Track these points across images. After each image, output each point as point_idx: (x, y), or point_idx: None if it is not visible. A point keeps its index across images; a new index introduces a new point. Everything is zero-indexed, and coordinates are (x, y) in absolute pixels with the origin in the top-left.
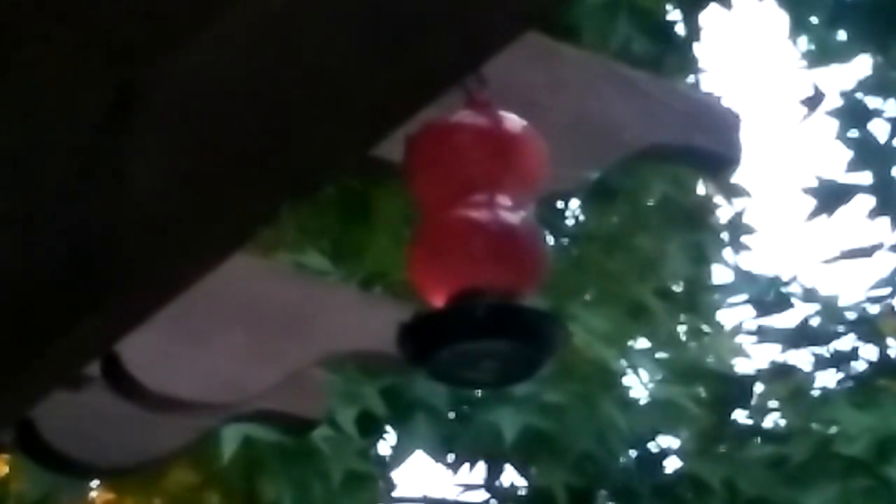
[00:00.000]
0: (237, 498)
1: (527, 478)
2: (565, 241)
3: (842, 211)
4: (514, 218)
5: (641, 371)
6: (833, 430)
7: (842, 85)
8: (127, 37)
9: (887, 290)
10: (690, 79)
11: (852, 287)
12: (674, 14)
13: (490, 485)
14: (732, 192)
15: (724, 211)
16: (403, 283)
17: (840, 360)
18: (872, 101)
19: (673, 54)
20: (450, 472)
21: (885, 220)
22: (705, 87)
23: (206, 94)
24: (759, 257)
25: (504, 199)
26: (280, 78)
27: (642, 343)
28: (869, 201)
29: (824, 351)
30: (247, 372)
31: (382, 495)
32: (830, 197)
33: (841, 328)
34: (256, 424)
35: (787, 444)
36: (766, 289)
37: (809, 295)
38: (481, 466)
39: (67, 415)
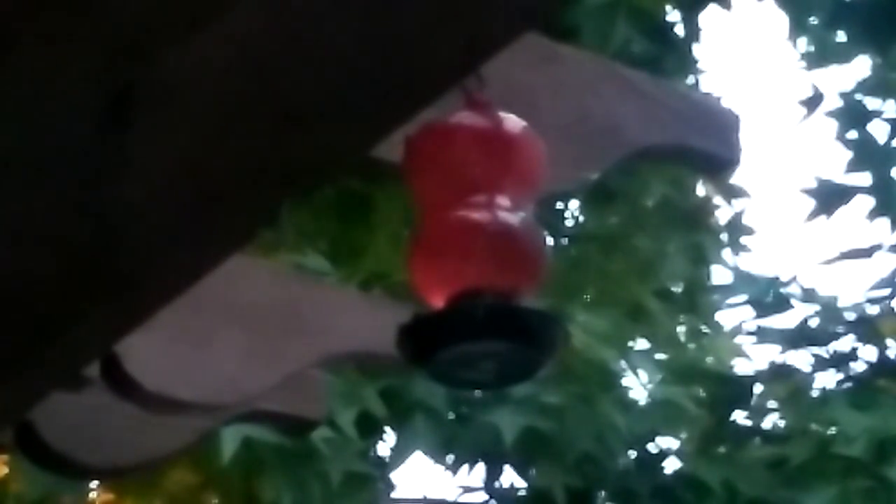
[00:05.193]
0: (237, 498)
1: (526, 479)
2: (565, 241)
3: (841, 212)
4: (513, 218)
5: (641, 372)
6: (832, 430)
7: (841, 86)
8: (127, 37)
9: (887, 291)
10: (690, 79)
11: (852, 288)
12: (673, 15)
13: (489, 486)
14: (732, 192)
15: (723, 212)
16: (403, 284)
17: (839, 361)
18: (872, 102)
19: (672, 55)
20: (449, 473)
21: (884, 221)
22: (705, 87)
23: (205, 94)
24: (758, 258)
25: (503, 200)
26: (280, 78)
27: (642, 344)
28: (868, 202)
29: (823, 352)
30: (246, 373)
31: (382, 496)
32: (830, 198)
33: (840, 329)
34: (256, 425)
35: (786, 444)
36: (766, 289)
37: (809, 296)
38: (481, 467)
39: (67, 416)
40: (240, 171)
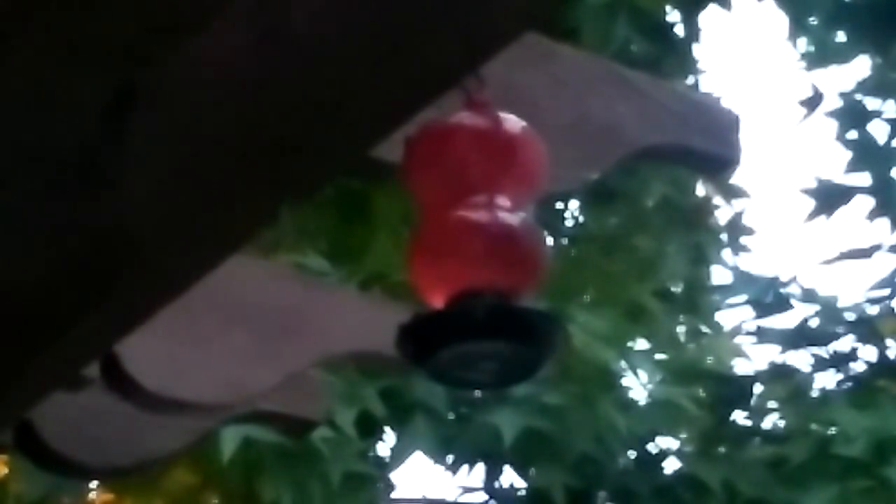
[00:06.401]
0: (236, 498)
1: (526, 479)
2: (565, 241)
3: (841, 212)
4: (513, 219)
5: (640, 372)
6: (832, 430)
7: (841, 86)
8: (127, 37)
9: (886, 291)
10: (690, 80)
11: (851, 288)
12: (673, 15)
13: (489, 486)
14: (731, 193)
15: (723, 212)
16: (403, 284)
17: (839, 361)
18: (872, 102)
19: (672, 55)
20: (449, 473)
21: (884, 221)
22: (704, 87)
23: (205, 95)
24: (758, 258)
25: (503, 200)
26: (280, 78)
27: (641, 344)
28: (868, 202)
29: (823, 352)
30: (246, 373)
31: (381, 496)
32: (830, 198)
33: (840, 329)
34: (256, 425)
35: (786, 444)
36: (766, 290)
37: (809, 296)
38: (480, 468)
39: (67, 416)
40: (240, 171)
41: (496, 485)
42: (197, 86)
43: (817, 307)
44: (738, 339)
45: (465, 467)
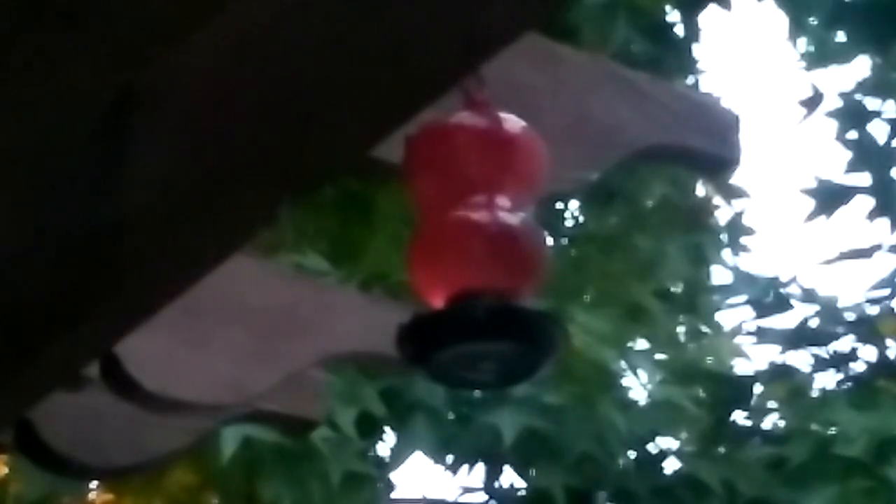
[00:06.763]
0: (236, 498)
1: (526, 479)
2: (564, 241)
3: (841, 212)
4: (513, 219)
5: (640, 372)
6: (832, 431)
7: (841, 86)
8: (127, 37)
9: (886, 292)
10: (689, 80)
11: (851, 288)
12: (673, 15)
13: (489, 486)
14: (731, 193)
15: (723, 212)
16: (403, 284)
17: (839, 361)
18: (871, 103)
19: (672, 55)
20: (449, 473)
21: (884, 221)
22: (704, 87)
23: (205, 95)
24: (758, 258)
25: (503, 200)
26: (280, 78)
27: (641, 344)
28: (868, 202)
29: (823, 352)
30: (246, 373)
31: (381, 496)
32: (829, 198)
33: (840, 329)
34: (256, 425)
35: (786, 445)
36: (766, 290)
37: (808, 296)
38: (480, 468)
39: (66, 416)
40: (239, 171)
41: (496, 485)
42: (197, 86)
43: (817, 307)
44: (738, 339)
45: (465, 467)
